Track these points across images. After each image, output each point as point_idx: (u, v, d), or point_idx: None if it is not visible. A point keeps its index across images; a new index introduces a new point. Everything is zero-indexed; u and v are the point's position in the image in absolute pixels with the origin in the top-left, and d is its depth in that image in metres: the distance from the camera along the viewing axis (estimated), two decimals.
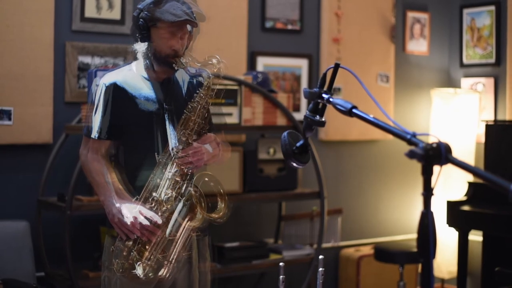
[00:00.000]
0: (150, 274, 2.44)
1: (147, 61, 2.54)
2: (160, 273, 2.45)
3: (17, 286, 3.33)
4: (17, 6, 3.71)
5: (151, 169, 2.49)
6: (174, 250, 2.45)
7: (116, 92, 2.52)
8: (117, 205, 2.45)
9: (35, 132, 3.76)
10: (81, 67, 3.90)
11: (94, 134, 2.53)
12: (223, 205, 2.46)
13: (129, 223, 2.41)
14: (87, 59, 3.91)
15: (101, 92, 2.53)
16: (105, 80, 2.55)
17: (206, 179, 2.46)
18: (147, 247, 2.45)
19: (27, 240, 3.61)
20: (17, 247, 3.57)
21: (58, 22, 3.85)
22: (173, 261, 2.45)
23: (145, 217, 2.41)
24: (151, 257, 2.44)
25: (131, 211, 2.42)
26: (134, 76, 2.56)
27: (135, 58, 2.60)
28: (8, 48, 3.69)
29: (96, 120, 2.53)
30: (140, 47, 2.54)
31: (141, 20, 2.48)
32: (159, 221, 2.43)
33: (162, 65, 2.53)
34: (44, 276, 3.73)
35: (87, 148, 2.57)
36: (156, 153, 2.50)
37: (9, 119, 3.68)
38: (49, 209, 3.71)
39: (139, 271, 2.43)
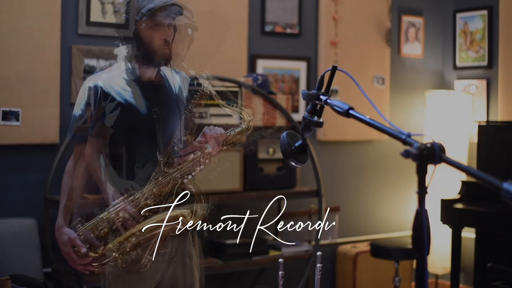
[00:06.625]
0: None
1: (129, 63, 2.50)
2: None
3: (25, 282, 3.36)
4: (25, 11, 3.75)
5: (142, 168, 2.47)
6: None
7: (99, 94, 2.46)
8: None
9: (43, 132, 3.80)
10: (86, 70, 3.93)
11: (71, 133, 2.54)
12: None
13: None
14: (92, 62, 3.96)
15: (84, 93, 2.49)
16: (89, 82, 2.50)
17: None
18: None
19: (35, 237, 3.65)
20: (24, 244, 3.60)
21: (64, 26, 3.89)
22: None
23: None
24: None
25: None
26: (118, 78, 2.49)
27: (124, 61, 2.53)
28: (17, 51, 3.72)
29: (74, 119, 2.51)
30: (121, 50, 2.49)
31: (125, 15, 2.44)
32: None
33: (149, 62, 2.47)
34: (51, 272, 3.76)
35: (91, 148, 2.55)
36: (157, 153, 2.48)
37: (17, 120, 3.72)
38: (56, 207, 3.65)
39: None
